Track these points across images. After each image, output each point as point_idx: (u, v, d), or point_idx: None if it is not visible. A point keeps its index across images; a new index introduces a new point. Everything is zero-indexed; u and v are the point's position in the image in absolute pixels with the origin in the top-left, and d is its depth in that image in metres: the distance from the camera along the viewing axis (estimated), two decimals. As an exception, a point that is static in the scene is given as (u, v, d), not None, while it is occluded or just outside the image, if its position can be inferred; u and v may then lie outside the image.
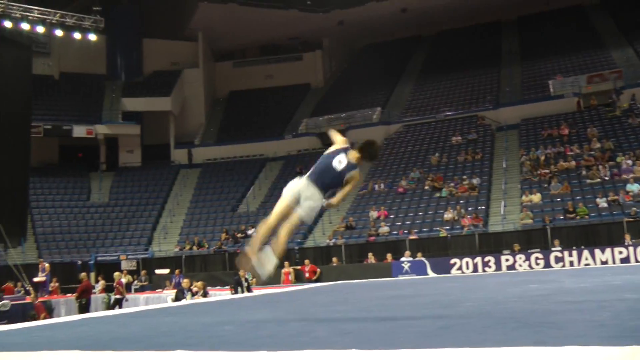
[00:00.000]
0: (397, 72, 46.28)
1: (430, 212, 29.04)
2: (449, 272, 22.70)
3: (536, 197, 27.08)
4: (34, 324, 8.31)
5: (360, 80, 45.05)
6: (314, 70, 49.01)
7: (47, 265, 26.47)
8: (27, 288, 24.11)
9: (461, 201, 28.71)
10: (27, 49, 34.38)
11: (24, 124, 33.45)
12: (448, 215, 27.60)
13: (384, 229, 27.95)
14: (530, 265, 21.98)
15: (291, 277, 24.72)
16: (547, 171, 28.82)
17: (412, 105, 42.17)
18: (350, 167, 6.19)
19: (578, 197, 26.36)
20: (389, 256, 24.55)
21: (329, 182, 6.27)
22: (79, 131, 41.24)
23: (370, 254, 25.42)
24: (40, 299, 20.93)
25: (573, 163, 28.89)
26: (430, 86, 43.32)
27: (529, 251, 22.72)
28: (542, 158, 30.10)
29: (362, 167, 6.43)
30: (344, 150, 6.32)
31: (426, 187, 31.16)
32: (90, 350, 3.82)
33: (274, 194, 36.40)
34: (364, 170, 35.84)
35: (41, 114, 39.57)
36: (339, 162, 6.21)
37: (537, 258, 22.04)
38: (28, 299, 20.82)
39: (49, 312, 19.84)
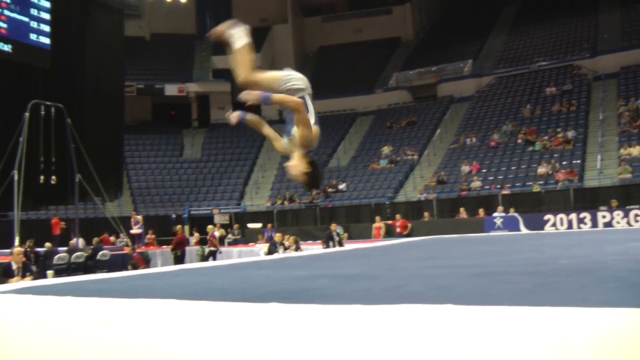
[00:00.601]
0: (489, 23, 45.06)
1: (523, 167, 28.49)
2: (542, 229, 22.07)
3: (635, 150, 26.14)
4: (132, 273, 8.54)
5: (450, 32, 44.14)
6: (403, 24, 48.17)
7: (139, 217, 27.26)
8: (126, 240, 25.01)
9: (555, 155, 28.01)
10: (119, 12, 35.35)
11: (117, 84, 34.50)
12: (542, 170, 27.00)
13: (476, 184, 27.63)
14: (628, 223, 21.14)
15: (382, 231, 24.74)
16: (648, 122, 27.79)
17: (505, 56, 41.15)
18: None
19: (681, 149, 25.41)
20: (480, 211, 24.28)
21: None
22: (171, 90, 42.12)
23: (462, 209, 25.18)
24: (138, 250, 21.64)
25: (676, 113, 27.76)
26: (523, 36, 42.04)
27: (627, 207, 21.82)
28: (643, 108, 29.00)
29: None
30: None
31: (519, 141, 30.54)
32: (186, 299, 3.90)
33: (365, 149, 36.40)
34: (452, 128, 35.49)
35: (134, 74, 40.62)
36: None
37: (636, 215, 21.11)
38: (126, 250, 21.57)
39: (146, 262, 20.47)
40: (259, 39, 44.51)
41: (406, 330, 2.66)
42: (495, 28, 44.83)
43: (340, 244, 18.66)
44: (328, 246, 18.75)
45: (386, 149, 34.75)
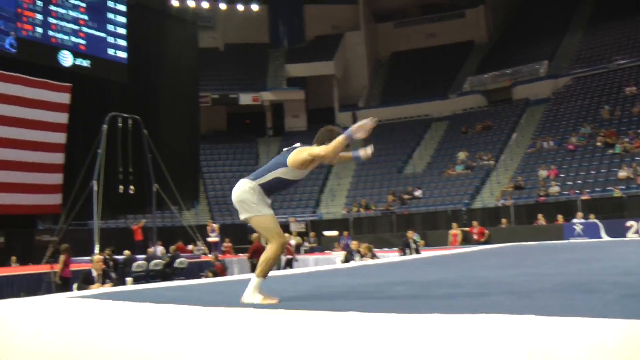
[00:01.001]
0: (564, 22, 43.89)
1: (603, 170, 27.70)
2: (624, 236, 21.20)
3: None
4: (210, 281, 8.65)
5: (525, 33, 43.26)
6: (477, 26, 47.45)
7: (215, 226, 27.61)
8: (203, 248, 25.41)
9: (637, 158, 27.07)
10: (193, 24, 36.23)
11: (193, 95, 35.29)
12: (622, 174, 26.21)
13: (554, 189, 27.02)
14: None
15: (459, 238, 24.43)
16: None
17: (582, 55, 40.11)
18: None
19: None
20: (559, 217, 23.68)
21: None
22: (245, 99, 42.56)
23: (540, 215, 24.62)
24: (219, 257, 21.94)
25: None
26: (601, 34, 40.79)
27: None
28: None
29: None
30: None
31: (598, 144, 29.71)
32: (263, 308, 3.91)
33: (440, 155, 36.09)
34: (528, 132, 34.83)
35: (208, 84, 41.34)
36: None
37: None
38: (204, 258, 21.79)
39: (225, 271, 20.69)
40: (331, 46, 44.75)
41: (488, 341, 2.60)
42: (570, 27, 43.71)
43: (417, 251, 18.51)
44: (404, 253, 18.62)
45: (462, 155, 34.37)
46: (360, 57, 46.63)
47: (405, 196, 31.75)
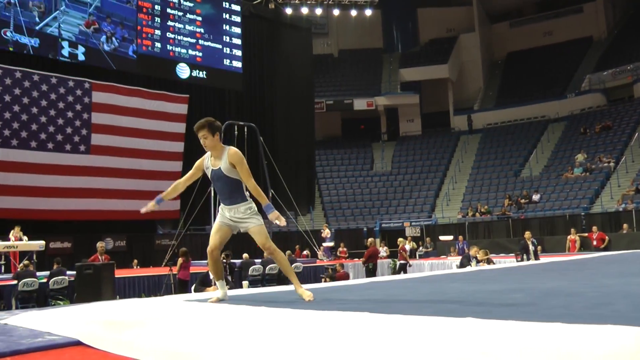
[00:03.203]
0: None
1: None
2: None
3: None
4: (325, 286, 8.71)
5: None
6: (595, 22, 45.76)
7: (327, 231, 27.80)
8: (318, 253, 25.64)
9: None
10: (307, 32, 36.85)
11: (308, 101, 35.80)
12: None
13: (682, 192, 25.88)
14: None
15: (577, 244, 23.70)
16: None
17: None
18: None
19: None
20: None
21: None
22: (360, 104, 42.69)
23: (665, 220, 23.65)
24: (337, 261, 22.07)
25: None
26: None
27: None
28: None
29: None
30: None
31: None
32: (378, 312, 3.90)
33: (557, 157, 35.14)
34: None
35: (323, 90, 41.85)
36: None
37: None
38: (319, 262, 21.96)
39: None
40: (445, 49, 44.36)
41: (612, 354, 2.50)
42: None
43: (536, 256, 18.06)
44: (522, 259, 18.19)
45: (580, 157, 33.32)
46: (475, 59, 46.02)
47: (522, 200, 31.04)
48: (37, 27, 24.98)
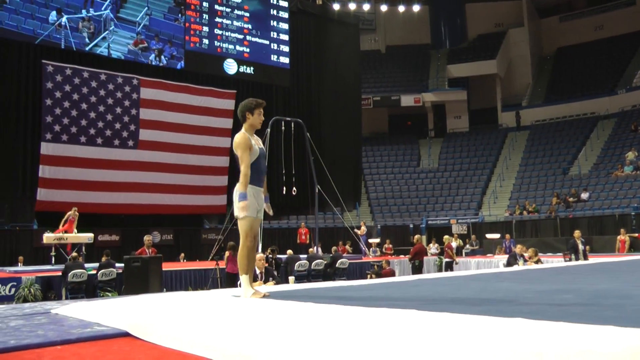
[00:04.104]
0: None
1: None
2: None
3: None
4: (372, 282, 8.70)
5: None
6: (649, 14, 44.83)
7: (364, 228, 27.80)
8: (364, 249, 25.63)
9: None
10: (355, 28, 36.85)
11: (355, 97, 35.82)
12: None
13: None
14: None
15: (627, 245, 23.28)
16: None
17: None
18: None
19: None
20: None
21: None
22: (407, 100, 42.47)
23: None
24: (383, 258, 22.04)
25: None
26: None
27: None
28: None
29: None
30: None
31: None
32: (426, 310, 3.88)
33: (607, 155, 34.59)
34: None
35: (370, 86, 41.80)
36: None
37: None
38: (365, 259, 21.92)
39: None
40: (493, 44, 43.91)
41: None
42: None
43: (585, 256, 17.79)
44: (571, 258, 17.93)
45: (630, 155, 32.70)
46: (523, 54, 45.39)
47: (571, 199, 30.60)
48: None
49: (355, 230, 26.87)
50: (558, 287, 6.44)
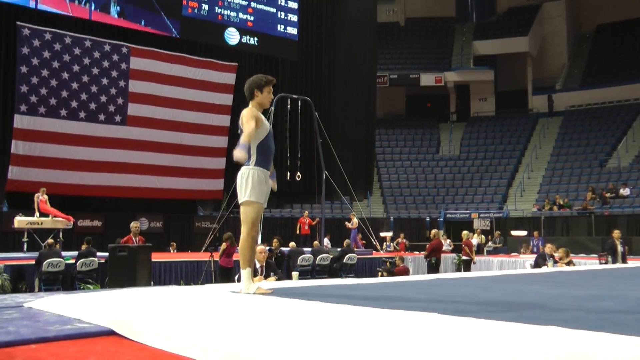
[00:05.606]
0: None
1: None
2: None
3: None
4: (383, 280, 8.68)
5: None
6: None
7: (355, 221, 27.61)
8: (374, 243, 25.60)
9: None
10: (372, -3, 36.40)
11: (369, 75, 35.62)
12: None
13: None
14: None
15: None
16: None
17: None
18: None
19: None
20: None
21: None
22: (427, 79, 42.33)
23: None
24: (396, 254, 22.01)
25: None
26: None
27: None
28: None
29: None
30: None
31: None
32: (448, 314, 3.85)
33: (651, 146, 34.47)
34: None
35: (387, 63, 41.70)
36: None
37: None
38: (375, 254, 21.90)
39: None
40: (526, 19, 43.69)
41: None
42: None
43: (624, 259, 17.73)
44: (607, 261, 17.85)
45: (678, 147, 32.66)
46: (559, 31, 45.17)
47: (608, 194, 30.49)
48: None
49: (346, 223, 26.79)
50: (595, 292, 6.42)
